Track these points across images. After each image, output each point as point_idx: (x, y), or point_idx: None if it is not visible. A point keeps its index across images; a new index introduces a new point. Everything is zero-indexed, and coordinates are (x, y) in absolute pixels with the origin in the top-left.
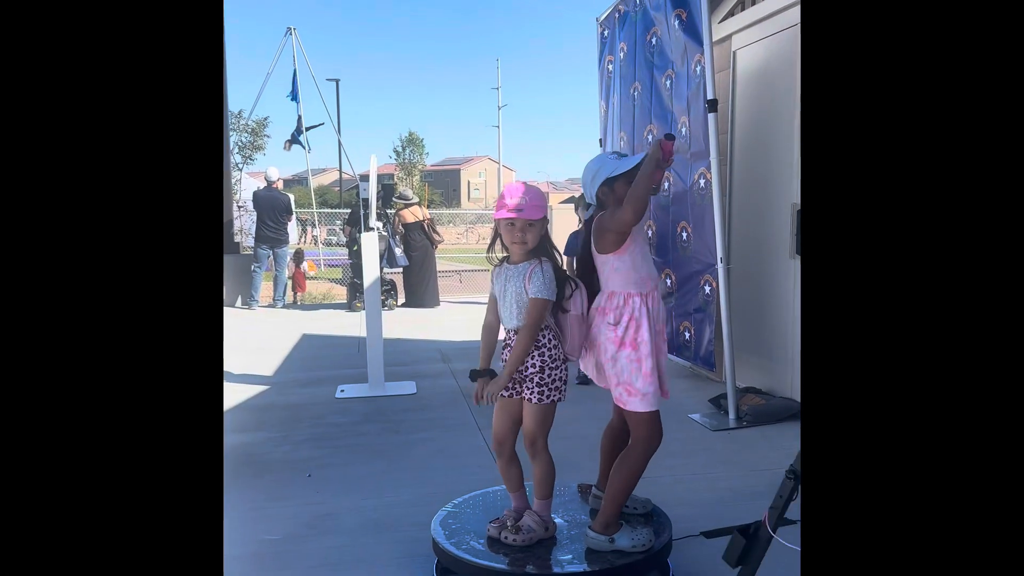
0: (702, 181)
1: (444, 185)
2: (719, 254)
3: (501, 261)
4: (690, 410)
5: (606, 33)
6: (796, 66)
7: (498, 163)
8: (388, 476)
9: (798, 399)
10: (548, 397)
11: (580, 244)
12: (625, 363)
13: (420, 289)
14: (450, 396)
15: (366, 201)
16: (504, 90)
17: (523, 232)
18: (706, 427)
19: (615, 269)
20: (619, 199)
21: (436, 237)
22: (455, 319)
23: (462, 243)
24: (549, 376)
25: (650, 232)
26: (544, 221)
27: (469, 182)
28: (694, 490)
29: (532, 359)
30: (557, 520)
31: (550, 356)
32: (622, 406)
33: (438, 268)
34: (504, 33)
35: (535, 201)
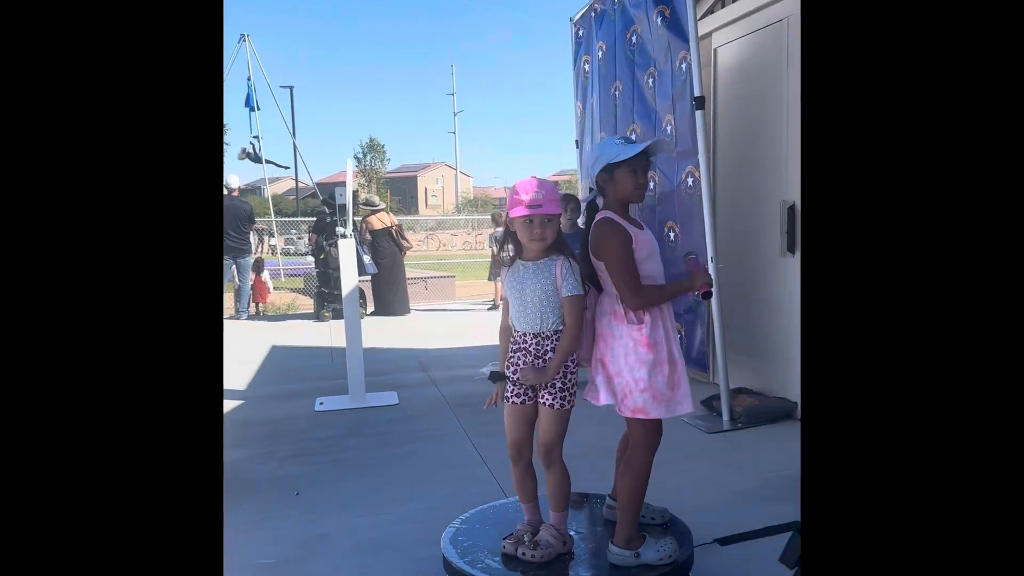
0: (690, 180)
1: (401, 192)
2: (709, 253)
3: (512, 260)
4: None
5: (581, 33)
6: (780, 62)
7: (455, 169)
8: (381, 492)
9: (792, 398)
10: (568, 403)
11: (580, 239)
12: (651, 367)
13: (390, 297)
14: (434, 405)
15: (343, 207)
16: (460, 96)
17: (542, 228)
18: (700, 429)
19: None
20: (617, 188)
21: (405, 243)
22: (427, 326)
23: (423, 250)
24: (570, 380)
25: None
26: (559, 217)
27: (426, 188)
28: (700, 496)
29: None
30: (572, 533)
31: (571, 360)
32: (644, 415)
33: None
34: (459, 39)
35: (552, 196)
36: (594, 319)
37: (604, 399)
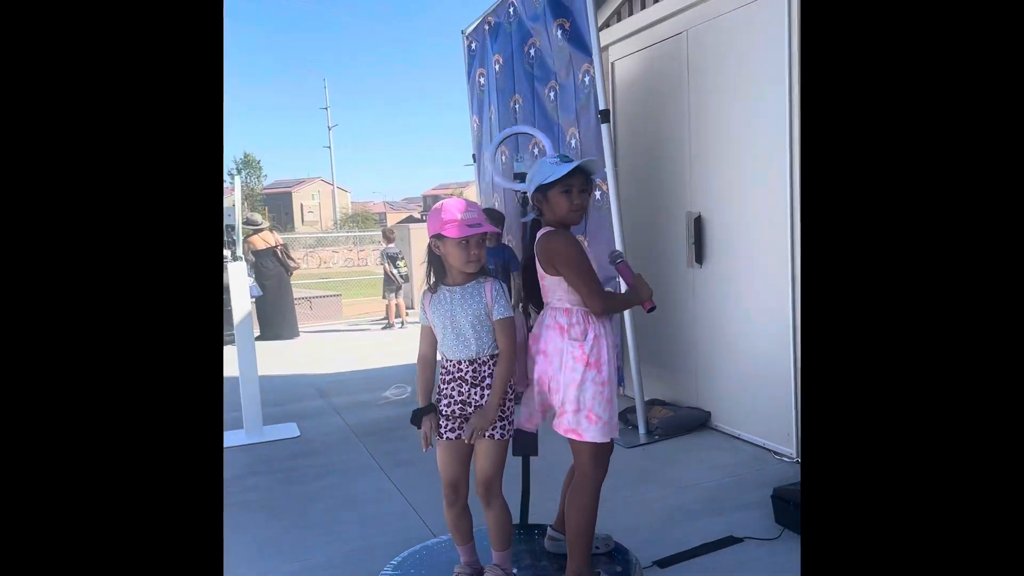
0: (597, 193)
1: (276, 209)
2: None
3: (435, 286)
4: None
5: (474, 46)
6: (679, 76)
7: (332, 184)
8: (293, 536)
9: (704, 408)
10: (508, 432)
11: (523, 254)
12: (590, 385)
13: (277, 320)
14: (340, 436)
15: (231, 228)
16: (334, 110)
17: (479, 249)
18: (619, 444)
19: (567, 290)
20: (552, 209)
21: (291, 263)
22: (320, 350)
23: (304, 268)
24: (508, 409)
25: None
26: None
27: (302, 204)
28: (630, 514)
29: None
30: (514, 572)
31: (508, 387)
32: (576, 437)
33: None
34: (334, 52)
35: (483, 215)
36: (526, 341)
37: (537, 420)
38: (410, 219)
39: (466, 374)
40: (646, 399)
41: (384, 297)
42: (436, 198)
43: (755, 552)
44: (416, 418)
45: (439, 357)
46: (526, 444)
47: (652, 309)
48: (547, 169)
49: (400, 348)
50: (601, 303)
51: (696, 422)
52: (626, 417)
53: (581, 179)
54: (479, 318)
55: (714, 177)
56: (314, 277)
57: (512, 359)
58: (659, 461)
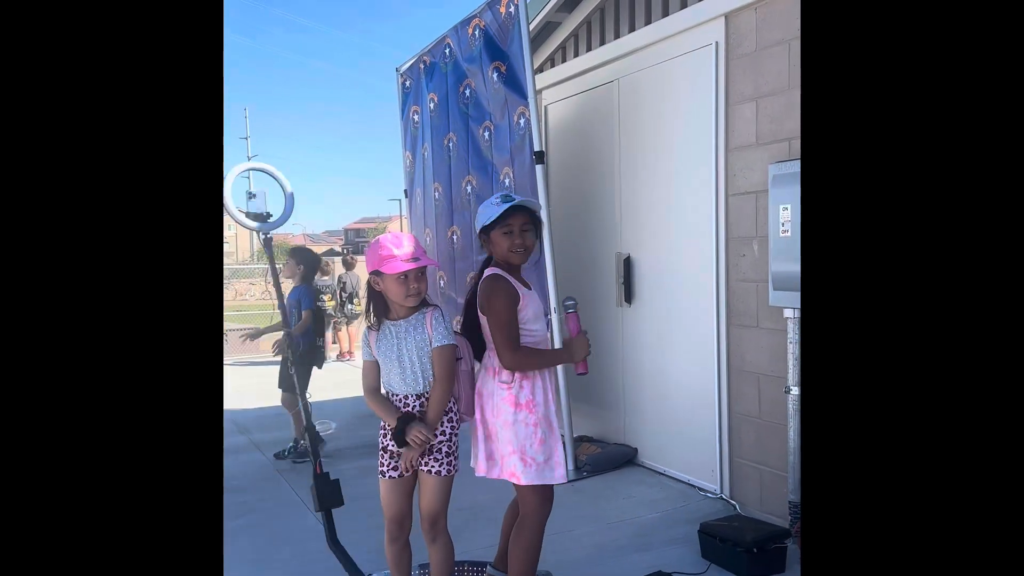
0: None
1: None
2: (552, 304)
3: (377, 323)
4: None
5: (408, 84)
6: (610, 122)
7: None
8: None
9: (631, 445)
10: (455, 468)
11: (467, 293)
12: (521, 427)
13: None
14: (261, 472)
15: None
16: (255, 140)
17: (418, 283)
18: None
19: None
20: (495, 249)
21: None
22: (235, 384)
23: None
24: (455, 445)
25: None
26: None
27: None
28: (562, 550)
29: (441, 426)
30: None
31: (457, 421)
32: (514, 479)
33: None
34: (255, 81)
35: (422, 248)
36: (472, 370)
37: (483, 468)
38: (331, 252)
39: (412, 408)
40: (575, 435)
41: None
42: (358, 231)
43: None
44: (399, 432)
45: (383, 391)
46: (330, 496)
47: (583, 373)
48: (488, 210)
49: (321, 383)
50: (510, 357)
51: (623, 458)
52: None
53: (522, 218)
54: (422, 350)
55: (643, 219)
56: (230, 309)
57: (446, 384)
58: (588, 497)
